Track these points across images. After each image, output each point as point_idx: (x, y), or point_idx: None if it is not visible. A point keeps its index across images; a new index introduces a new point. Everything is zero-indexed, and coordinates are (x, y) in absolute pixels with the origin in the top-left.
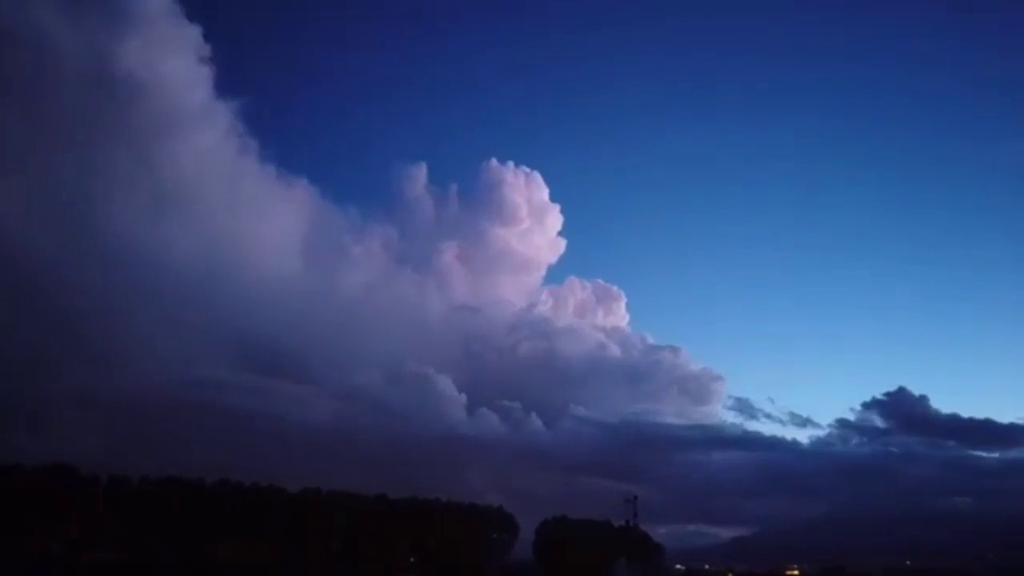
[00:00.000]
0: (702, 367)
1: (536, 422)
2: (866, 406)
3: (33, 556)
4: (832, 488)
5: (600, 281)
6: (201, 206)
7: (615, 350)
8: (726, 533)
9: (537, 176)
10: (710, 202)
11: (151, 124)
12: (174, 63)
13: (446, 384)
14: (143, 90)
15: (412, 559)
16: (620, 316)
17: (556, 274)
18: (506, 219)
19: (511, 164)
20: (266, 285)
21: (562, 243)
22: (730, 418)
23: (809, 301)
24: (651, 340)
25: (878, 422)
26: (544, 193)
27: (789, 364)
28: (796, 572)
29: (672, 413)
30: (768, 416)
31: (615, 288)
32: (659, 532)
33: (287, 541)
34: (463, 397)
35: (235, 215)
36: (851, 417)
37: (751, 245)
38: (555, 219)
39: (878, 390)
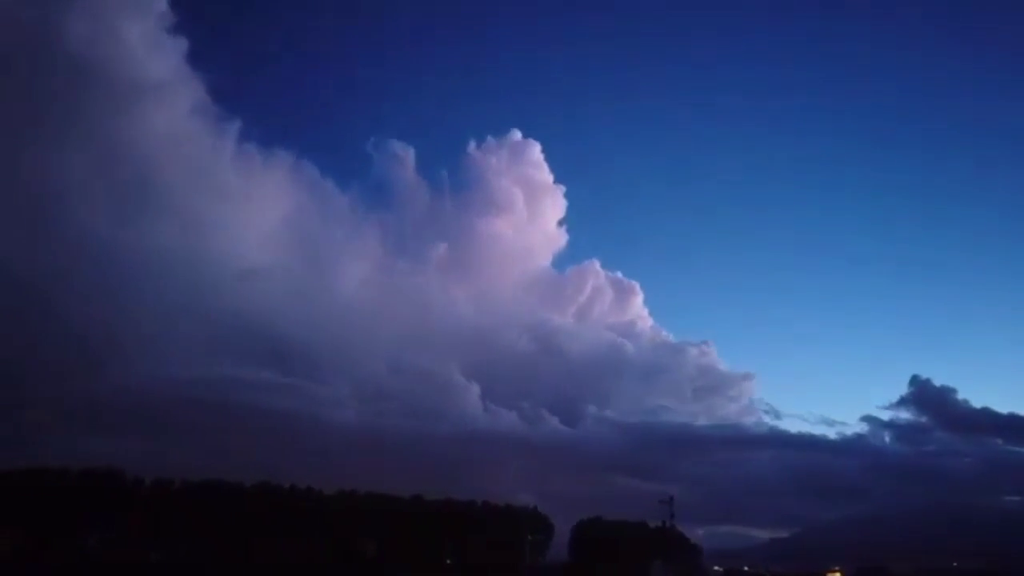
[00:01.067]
0: (729, 365)
1: (552, 420)
2: (896, 403)
3: (77, 556)
4: (871, 487)
5: (610, 274)
6: (176, 192)
7: (632, 347)
8: (764, 534)
9: (539, 158)
10: (724, 197)
11: (115, 103)
12: (136, 34)
13: (459, 381)
14: (102, 66)
15: (449, 560)
16: (637, 311)
17: (564, 264)
18: (502, 207)
19: (512, 142)
20: (259, 277)
21: (564, 231)
22: (757, 417)
23: (826, 299)
24: (668, 336)
25: (911, 418)
26: (546, 173)
27: (808, 362)
28: (838, 574)
29: (698, 412)
30: (792, 415)
31: (631, 281)
32: (696, 533)
33: (325, 543)
34: (476, 388)
35: (217, 199)
36: (878, 414)
37: (766, 242)
38: (559, 203)
39: (902, 389)
